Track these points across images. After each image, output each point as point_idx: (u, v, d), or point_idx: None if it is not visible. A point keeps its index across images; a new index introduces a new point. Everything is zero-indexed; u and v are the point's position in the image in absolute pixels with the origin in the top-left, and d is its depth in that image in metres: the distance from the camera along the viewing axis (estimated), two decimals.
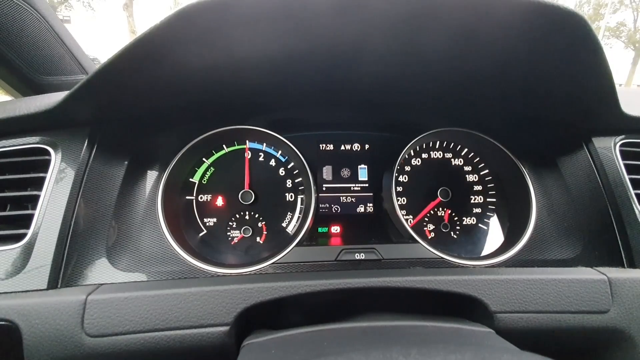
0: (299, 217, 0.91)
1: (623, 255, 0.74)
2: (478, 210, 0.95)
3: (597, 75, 0.60)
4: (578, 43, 0.52)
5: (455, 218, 0.95)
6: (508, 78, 0.68)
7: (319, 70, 0.66)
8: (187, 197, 0.89)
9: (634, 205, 0.73)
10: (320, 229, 0.93)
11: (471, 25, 0.50)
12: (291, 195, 0.92)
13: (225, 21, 0.46)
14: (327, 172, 0.97)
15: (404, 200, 0.95)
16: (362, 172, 0.98)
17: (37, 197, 0.65)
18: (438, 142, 0.98)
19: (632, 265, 0.73)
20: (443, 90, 0.78)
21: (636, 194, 0.74)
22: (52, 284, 0.61)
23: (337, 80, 0.72)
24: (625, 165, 0.77)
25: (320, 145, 0.98)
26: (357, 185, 0.97)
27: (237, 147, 0.92)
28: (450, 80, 0.72)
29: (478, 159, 0.98)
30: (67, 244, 0.64)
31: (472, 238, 0.93)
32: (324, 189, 0.96)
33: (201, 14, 0.44)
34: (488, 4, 0.46)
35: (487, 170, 0.97)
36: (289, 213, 0.91)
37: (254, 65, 0.62)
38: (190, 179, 0.89)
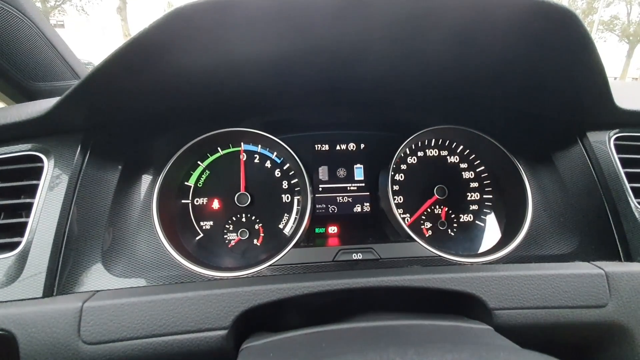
0: (295, 218, 0.91)
1: (620, 249, 0.74)
2: (474, 207, 0.95)
3: (590, 71, 0.60)
4: (571, 40, 0.52)
5: (452, 215, 0.95)
6: (504, 76, 0.68)
7: (318, 71, 0.65)
8: (183, 201, 0.88)
9: (629, 199, 0.74)
10: (317, 230, 0.93)
11: (470, 24, 0.50)
12: (287, 197, 0.92)
13: (222, 22, 0.46)
14: (323, 172, 0.97)
15: (400, 198, 0.95)
16: (358, 172, 0.98)
17: (30, 205, 0.65)
18: (433, 140, 0.98)
19: (628, 258, 0.73)
20: (442, 89, 0.78)
21: (632, 188, 0.74)
22: (48, 291, 0.61)
23: (336, 80, 0.71)
24: (620, 159, 0.77)
25: (316, 146, 0.98)
26: (353, 185, 0.97)
27: (232, 149, 0.92)
28: (449, 80, 0.72)
29: (474, 155, 0.98)
30: (62, 251, 0.63)
31: (469, 235, 0.93)
32: (320, 189, 0.96)
33: (197, 14, 0.43)
34: (486, 3, 0.46)
35: (482, 167, 0.97)
36: (285, 214, 0.91)
37: (251, 67, 0.61)
38: (186, 183, 0.89)
